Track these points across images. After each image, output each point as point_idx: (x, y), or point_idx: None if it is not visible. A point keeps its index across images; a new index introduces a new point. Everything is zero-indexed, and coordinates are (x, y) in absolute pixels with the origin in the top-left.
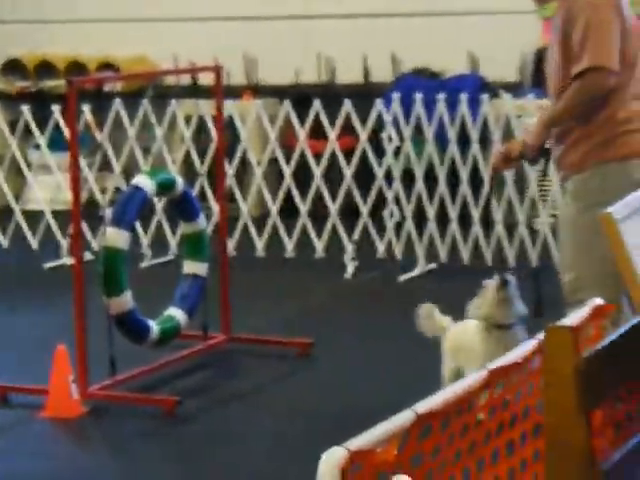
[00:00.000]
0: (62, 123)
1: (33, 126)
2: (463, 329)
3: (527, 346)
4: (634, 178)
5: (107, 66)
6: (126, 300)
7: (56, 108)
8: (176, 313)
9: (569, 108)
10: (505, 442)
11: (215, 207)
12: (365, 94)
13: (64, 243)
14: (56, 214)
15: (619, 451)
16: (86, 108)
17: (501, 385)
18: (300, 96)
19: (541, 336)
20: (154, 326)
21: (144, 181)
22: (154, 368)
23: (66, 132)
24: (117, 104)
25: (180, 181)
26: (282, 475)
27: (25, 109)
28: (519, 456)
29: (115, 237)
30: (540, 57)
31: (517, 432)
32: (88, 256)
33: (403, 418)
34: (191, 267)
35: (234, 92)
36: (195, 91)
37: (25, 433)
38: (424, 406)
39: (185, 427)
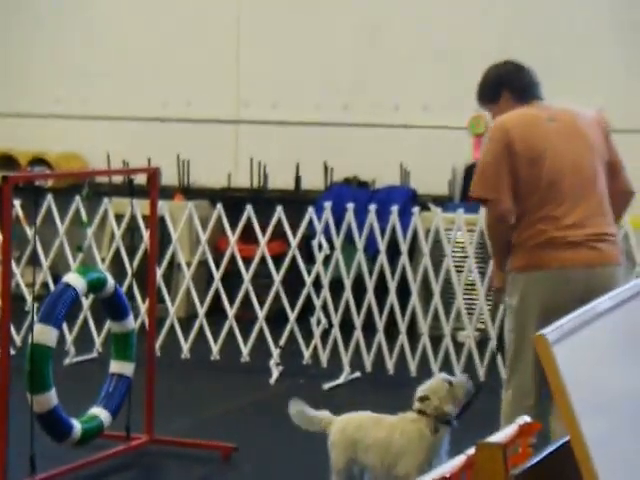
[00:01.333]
0: None
1: None
2: (358, 421)
3: (455, 461)
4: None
5: (39, 161)
6: (50, 398)
7: None
8: (100, 412)
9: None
10: None
11: (142, 307)
12: (296, 201)
13: None
14: None
15: None
16: (17, 202)
17: None
18: (232, 200)
19: (470, 451)
20: (77, 425)
21: (75, 279)
22: (75, 467)
23: None
24: (49, 200)
25: (111, 280)
26: None
27: None
28: None
29: (43, 334)
30: (470, 172)
31: None
32: (11, 351)
33: None
34: (117, 367)
35: (166, 193)
36: (128, 190)
37: None
38: None
39: None
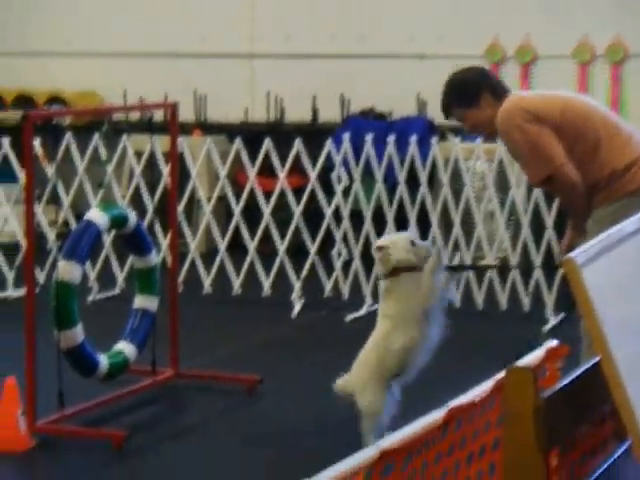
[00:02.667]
0: (11, 155)
1: None
2: None
3: (485, 385)
4: None
5: (55, 99)
6: (77, 333)
7: (5, 140)
8: (125, 347)
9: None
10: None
11: (163, 243)
12: (314, 133)
13: (9, 276)
14: (3, 246)
15: None
16: (36, 142)
17: (459, 423)
18: (250, 134)
19: (499, 376)
20: (103, 360)
21: (97, 216)
22: (102, 402)
23: (14, 164)
24: (68, 138)
25: (132, 216)
26: None
27: None
28: None
29: (68, 271)
30: None
31: (474, 470)
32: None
33: (367, 454)
34: (142, 302)
35: (184, 129)
36: (146, 127)
37: None
38: (387, 443)
39: (133, 461)
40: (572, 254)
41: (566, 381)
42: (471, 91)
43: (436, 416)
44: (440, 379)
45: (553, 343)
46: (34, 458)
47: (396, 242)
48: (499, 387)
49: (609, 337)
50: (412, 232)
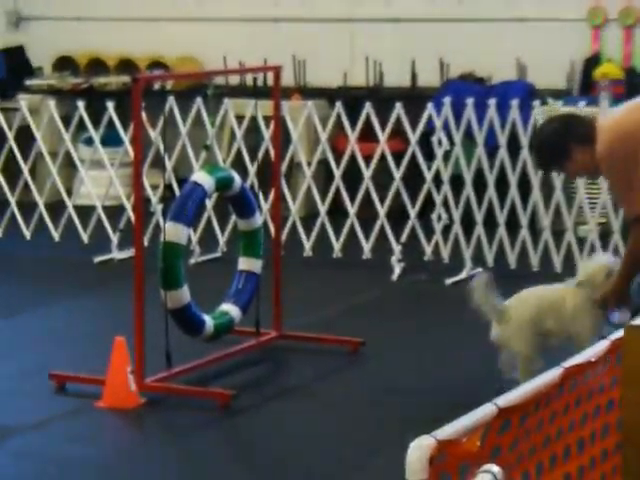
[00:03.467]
0: (116, 119)
1: (88, 122)
2: (533, 296)
3: (600, 346)
4: None
5: (156, 65)
6: (183, 294)
7: (110, 104)
8: (230, 309)
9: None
10: (576, 440)
11: (264, 206)
12: (414, 98)
13: (114, 238)
14: (107, 209)
15: None
16: None
17: (574, 383)
18: (350, 98)
19: (613, 336)
20: (209, 320)
21: (203, 178)
22: (208, 362)
23: (119, 128)
24: (170, 101)
25: (238, 179)
26: (333, 469)
27: (80, 105)
28: (589, 454)
29: (175, 232)
30: (589, 65)
31: (587, 430)
32: None
33: (485, 411)
34: (246, 264)
35: (284, 93)
36: (245, 91)
37: (81, 421)
38: (505, 400)
39: (239, 420)
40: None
41: None
42: (560, 150)
43: (552, 375)
44: None
45: None
46: (143, 415)
47: (593, 276)
48: (614, 348)
49: None
50: (610, 259)
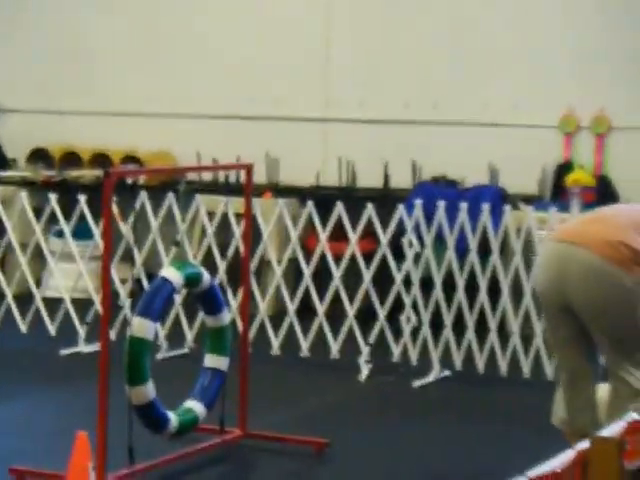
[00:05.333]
0: (87, 212)
1: (59, 214)
2: None
3: (566, 456)
4: None
5: (130, 159)
6: (148, 390)
7: (82, 197)
8: (195, 406)
9: None
10: None
11: (233, 303)
12: (386, 199)
13: (81, 331)
14: (75, 302)
15: None
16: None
17: None
18: (321, 198)
19: (580, 447)
20: (173, 417)
21: (172, 274)
22: (171, 459)
23: (90, 221)
24: (142, 197)
25: (206, 275)
26: None
27: (52, 197)
28: None
29: (142, 327)
30: (560, 171)
31: None
32: None
33: None
34: (212, 361)
35: (255, 191)
36: (218, 188)
37: None
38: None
39: None
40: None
41: None
42: None
43: None
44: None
45: (635, 416)
46: None
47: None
48: (580, 458)
49: None
50: None
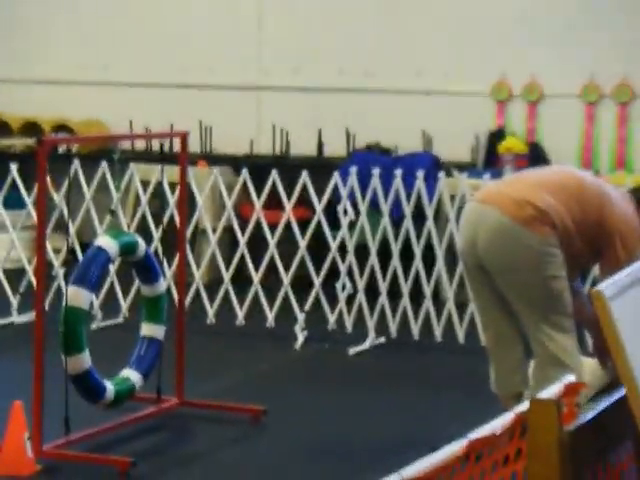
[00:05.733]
0: (19, 182)
1: None
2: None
3: (505, 418)
4: None
5: (61, 128)
6: (84, 360)
7: (13, 167)
8: (131, 375)
9: None
10: None
11: (168, 272)
12: (320, 167)
13: (14, 301)
14: (7, 272)
15: None
16: None
17: (479, 456)
18: (255, 166)
19: (519, 409)
20: (110, 386)
21: (108, 242)
22: (107, 429)
23: (22, 191)
24: (76, 165)
25: (142, 244)
26: None
27: None
28: None
29: (77, 296)
30: (493, 139)
31: None
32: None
33: None
34: (149, 330)
35: (189, 160)
36: (151, 157)
37: None
38: (410, 471)
39: None
40: (600, 287)
41: (590, 415)
42: None
43: (456, 447)
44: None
45: (571, 378)
46: None
47: None
48: (519, 420)
49: (636, 371)
50: None
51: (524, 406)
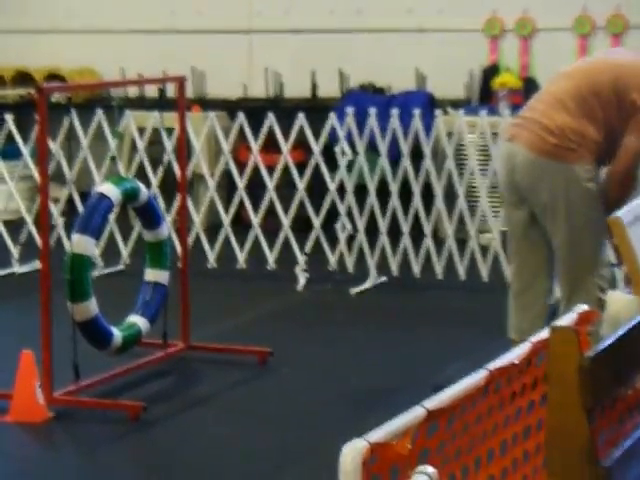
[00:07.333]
0: (15, 132)
1: None
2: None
3: (523, 347)
4: None
5: (53, 77)
6: (91, 307)
7: (9, 117)
8: (138, 320)
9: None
10: (499, 442)
11: (167, 218)
12: (315, 109)
13: (15, 252)
14: (6, 223)
15: (620, 447)
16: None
17: (498, 385)
18: (250, 110)
19: (535, 339)
20: (117, 333)
21: (110, 189)
22: (116, 374)
23: (18, 141)
24: (71, 114)
25: (144, 189)
26: (253, 476)
27: None
28: (511, 456)
29: (82, 244)
30: (487, 75)
31: (509, 433)
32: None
33: (414, 414)
34: (153, 275)
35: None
36: (146, 103)
37: None
38: (433, 402)
39: (150, 432)
40: (618, 214)
41: (609, 341)
42: None
43: (477, 378)
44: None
45: (584, 307)
46: (52, 429)
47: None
48: (536, 349)
49: None
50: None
51: (540, 335)
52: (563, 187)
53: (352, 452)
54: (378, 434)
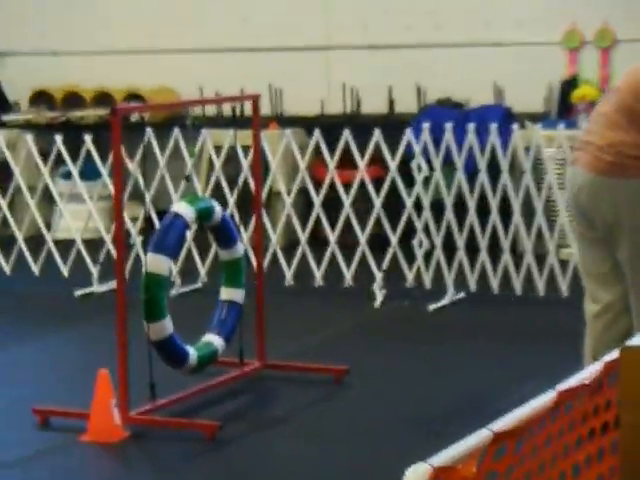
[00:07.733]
0: (94, 152)
1: (66, 155)
2: None
3: (594, 367)
4: None
5: (133, 96)
6: (166, 326)
7: (87, 137)
8: (213, 339)
9: None
10: (571, 464)
11: (244, 236)
12: (391, 124)
13: (94, 271)
14: (86, 243)
15: None
16: None
17: (569, 406)
18: (327, 126)
19: (607, 359)
20: (192, 352)
21: (184, 208)
22: (192, 393)
23: (97, 161)
24: (148, 133)
25: (218, 208)
26: None
27: (58, 139)
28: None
29: (156, 263)
30: (566, 88)
31: (582, 455)
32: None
33: (480, 436)
34: (228, 294)
35: (261, 123)
36: (223, 122)
37: (65, 456)
38: (500, 425)
39: (226, 451)
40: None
41: None
42: None
43: (546, 399)
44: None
45: None
46: (128, 449)
47: None
48: (607, 370)
49: None
50: None
51: (612, 356)
52: (625, 203)
53: (415, 476)
54: (442, 457)
